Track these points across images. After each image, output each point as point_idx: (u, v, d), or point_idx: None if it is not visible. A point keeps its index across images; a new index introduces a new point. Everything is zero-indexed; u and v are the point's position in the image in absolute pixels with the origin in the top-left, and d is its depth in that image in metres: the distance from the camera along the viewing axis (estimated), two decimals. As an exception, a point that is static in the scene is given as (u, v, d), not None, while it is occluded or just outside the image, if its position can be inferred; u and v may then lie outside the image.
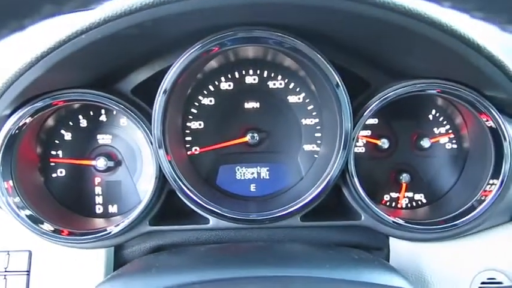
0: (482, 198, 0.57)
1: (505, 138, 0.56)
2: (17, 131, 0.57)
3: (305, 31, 0.53)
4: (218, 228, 0.61)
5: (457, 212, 0.58)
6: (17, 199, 0.57)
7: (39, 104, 0.55)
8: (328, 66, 0.55)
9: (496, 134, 0.56)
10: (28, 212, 0.57)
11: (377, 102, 0.57)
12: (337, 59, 0.57)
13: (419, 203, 0.67)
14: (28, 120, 0.56)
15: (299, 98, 0.66)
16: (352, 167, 0.58)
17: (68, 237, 0.58)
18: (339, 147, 0.57)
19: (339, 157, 0.57)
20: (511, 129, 0.58)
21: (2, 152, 0.56)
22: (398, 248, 0.60)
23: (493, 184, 0.56)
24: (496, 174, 0.56)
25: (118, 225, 0.59)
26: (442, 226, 0.57)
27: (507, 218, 0.58)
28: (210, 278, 0.39)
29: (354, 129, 0.56)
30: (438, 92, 0.56)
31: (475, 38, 0.46)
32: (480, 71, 0.49)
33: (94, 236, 0.58)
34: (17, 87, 0.50)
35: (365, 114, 0.58)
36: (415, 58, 0.54)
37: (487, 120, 0.56)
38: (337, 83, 0.56)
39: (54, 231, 0.57)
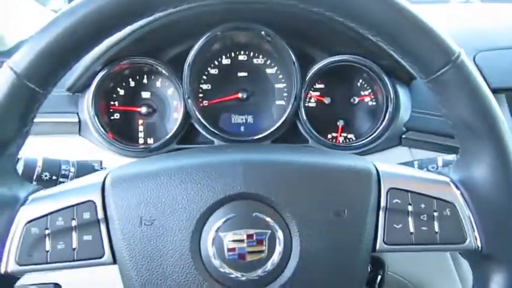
0: (377, 127, 0.93)
1: (387, 97, 0.91)
2: (100, 84, 0.92)
3: (273, 24, 0.88)
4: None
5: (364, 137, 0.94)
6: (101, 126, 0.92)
7: (118, 64, 0.90)
8: (289, 50, 0.90)
9: (387, 93, 0.92)
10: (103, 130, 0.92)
11: (313, 71, 0.93)
12: (294, 42, 0.91)
13: (351, 140, 1.01)
14: (106, 76, 0.91)
15: (273, 70, 0.99)
16: (302, 111, 0.93)
17: (125, 146, 0.92)
18: (291, 101, 0.92)
19: (291, 106, 0.91)
20: (401, 91, 0.93)
21: (93, 96, 0.90)
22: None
23: (384, 119, 0.92)
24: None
25: (154, 143, 0.94)
26: (357, 145, 0.93)
27: (396, 142, 0.93)
28: None
29: (301, 89, 0.92)
30: (349, 62, 0.91)
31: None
32: (367, 46, 0.84)
33: (140, 147, 0.94)
34: (114, 49, 0.85)
35: (306, 79, 0.93)
36: (333, 40, 0.89)
37: (382, 82, 0.92)
38: (294, 62, 0.91)
39: (115, 140, 0.91)
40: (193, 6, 0.81)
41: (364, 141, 0.93)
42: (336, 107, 1.00)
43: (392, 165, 0.61)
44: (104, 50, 0.85)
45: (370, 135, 0.93)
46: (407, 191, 0.55)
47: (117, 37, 0.83)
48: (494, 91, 0.91)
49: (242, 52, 1.00)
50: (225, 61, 1.00)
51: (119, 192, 0.53)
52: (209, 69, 1.00)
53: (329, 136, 1.01)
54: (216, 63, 1.00)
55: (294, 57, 0.90)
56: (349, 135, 1.01)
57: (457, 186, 0.55)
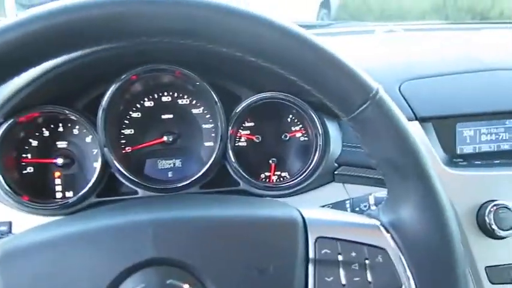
0: (308, 164, 0.89)
1: (316, 134, 0.89)
2: (6, 137, 0.83)
3: (193, 64, 0.84)
4: (145, 197, 0.89)
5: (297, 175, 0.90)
6: (6, 185, 0.83)
7: (23, 114, 0.82)
8: (210, 89, 0.86)
9: (316, 130, 0.90)
10: (12, 192, 0.83)
11: (239, 109, 0.89)
12: (217, 81, 0.88)
13: (285, 178, 0.97)
14: (13, 128, 0.83)
15: (200, 110, 0.95)
16: (230, 153, 0.88)
17: (38, 205, 0.84)
18: (218, 142, 0.87)
19: (218, 147, 0.87)
20: (330, 126, 0.91)
21: None
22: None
23: (315, 157, 0.89)
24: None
25: (73, 197, 0.86)
26: (288, 184, 0.89)
27: (330, 179, 0.90)
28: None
29: (226, 129, 0.88)
30: (275, 99, 0.88)
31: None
32: (293, 84, 0.81)
33: (57, 204, 0.85)
34: (16, 99, 0.77)
35: (233, 118, 0.90)
36: (258, 77, 0.86)
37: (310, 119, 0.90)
38: (216, 101, 0.87)
39: (29, 201, 0.83)
40: (105, 49, 0.76)
41: (296, 180, 0.89)
42: (267, 144, 0.97)
43: (320, 211, 0.57)
44: (4, 101, 0.77)
45: (302, 173, 0.89)
46: (336, 239, 0.51)
47: (16, 85, 0.75)
48: (422, 120, 0.91)
49: (166, 93, 0.95)
50: (148, 103, 0.94)
51: (10, 268, 0.46)
52: (131, 113, 0.94)
53: (262, 176, 0.96)
54: (138, 106, 0.94)
55: (215, 97, 0.86)
56: (283, 173, 0.97)
57: (387, 229, 0.51)
